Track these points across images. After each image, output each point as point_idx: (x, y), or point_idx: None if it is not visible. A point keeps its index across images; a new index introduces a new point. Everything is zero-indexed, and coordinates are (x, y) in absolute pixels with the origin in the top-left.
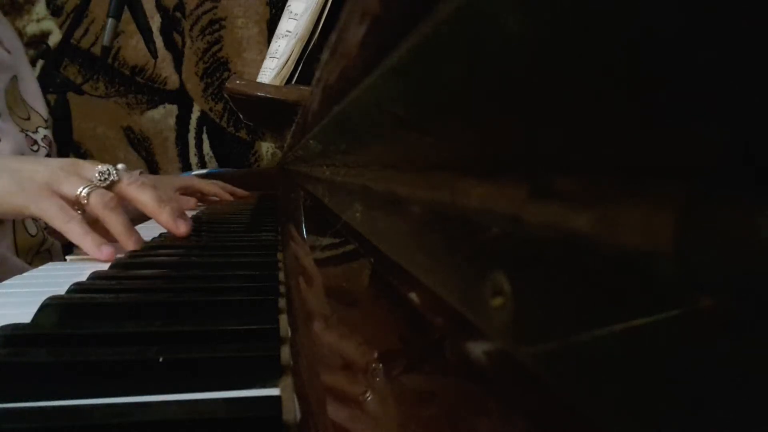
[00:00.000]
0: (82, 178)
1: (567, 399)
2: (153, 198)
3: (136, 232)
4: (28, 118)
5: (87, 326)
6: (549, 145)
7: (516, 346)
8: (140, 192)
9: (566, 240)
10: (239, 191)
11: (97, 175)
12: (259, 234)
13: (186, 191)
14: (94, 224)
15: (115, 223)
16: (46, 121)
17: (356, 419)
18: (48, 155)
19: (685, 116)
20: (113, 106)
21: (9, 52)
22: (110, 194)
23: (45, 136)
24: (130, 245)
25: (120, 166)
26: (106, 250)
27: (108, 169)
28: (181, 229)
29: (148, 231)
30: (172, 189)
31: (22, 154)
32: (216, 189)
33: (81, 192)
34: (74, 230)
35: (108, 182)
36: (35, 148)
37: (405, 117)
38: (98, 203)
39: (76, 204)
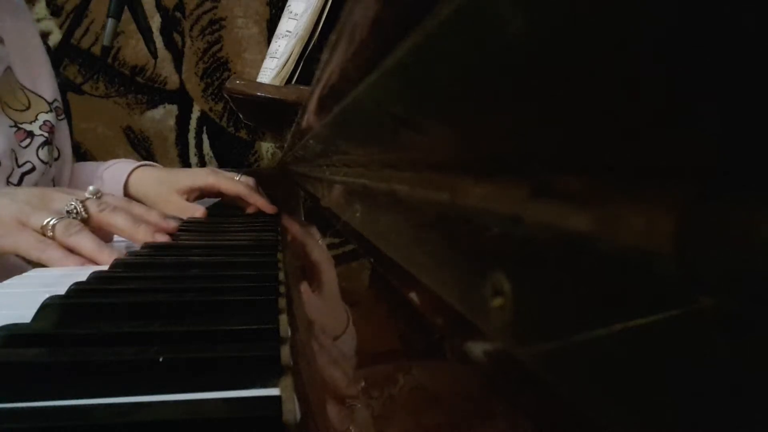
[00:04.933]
0: (50, 211)
1: (567, 399)
2: (126, 222)
3: (108, 247)
4: (27, 108)
5: (87, 326)
6: (549, 145)
7: (516, 346)
8: (112, 218)
9: (566, 240)
10: (264, 203)
11: (65, 212)
12: (259, 234)
13: (199, 193)
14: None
15: (82, 246)
16: (50, 103)
17: (356, 419)
18: (47, 141)
19: (685, 116)
20: (113, 106)
21: (2, 41)
22: (74, 222)
23: (45, 122)
24: (104, 261)
25: (90, 188)
26: (95, 257)
27: (75, 207)
28: (159, 240)
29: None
30: (175, 192)
31: (13, 150)
32: (240, 189)
33: (47, 224)
34: (53, 257)
35: (78, 218)
36: (26, 143)
37: (405, 117)
38: (62, 234)
39: (44, 234)
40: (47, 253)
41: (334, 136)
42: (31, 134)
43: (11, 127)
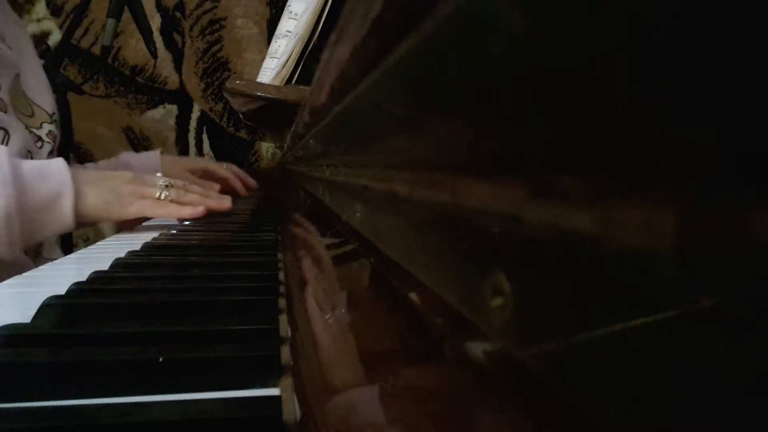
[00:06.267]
0: (153, 186)
1: (567, 399)
2: (199, 192)
3: (211, 196)
4: (32, 115)
5: (87, 326)
6: (549, 145)
7: (516, 346)
8: (193, 189)
9: (566, 240)
10: (249, 182)
11: (161, 184)
12: (259, 234)
13: (200, 174)
14: None
15: (194, 199)
16: (50, 115)
17: (356, 419)
18: (52, 151)
19: (685, 116)
20: (113, 106)
21: (11, 48)
22: (179, 187)
23: (49, 131)
24: (215, 206)
25: (159, 174)
26: (201, 208)
27: (169, 182)
28: (226, 204)
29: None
30: (184, 171)
31: (29, 151)
32: (227, 174)
33: (159, 194)
34: (171, 208)
35: (172, 190)
36: (39, 144)
37: (405, 117)
38: (177, 196)
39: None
40: (167, 209)
41: (334, 136)
42: (41, 139)
43: (26, 128)
